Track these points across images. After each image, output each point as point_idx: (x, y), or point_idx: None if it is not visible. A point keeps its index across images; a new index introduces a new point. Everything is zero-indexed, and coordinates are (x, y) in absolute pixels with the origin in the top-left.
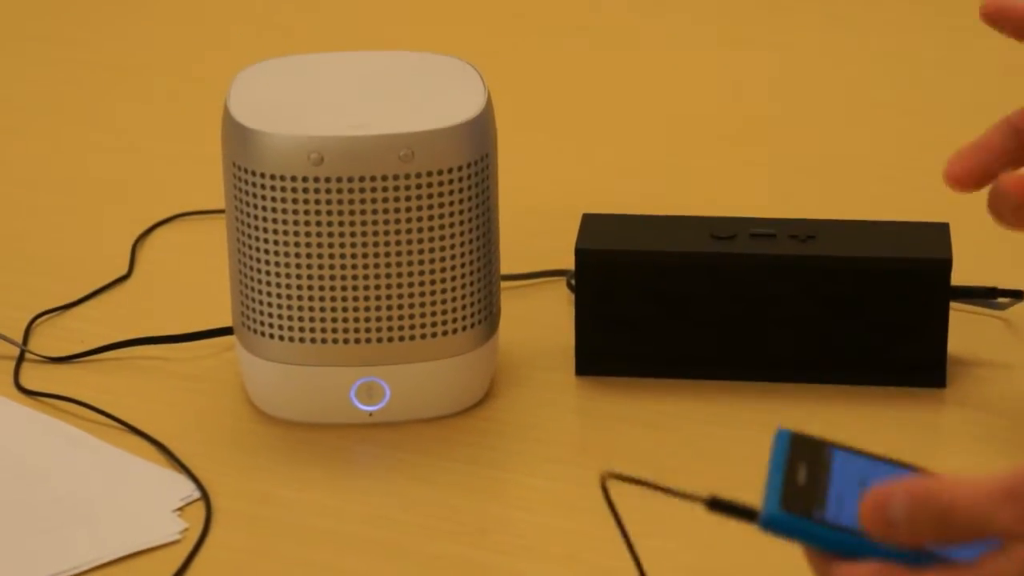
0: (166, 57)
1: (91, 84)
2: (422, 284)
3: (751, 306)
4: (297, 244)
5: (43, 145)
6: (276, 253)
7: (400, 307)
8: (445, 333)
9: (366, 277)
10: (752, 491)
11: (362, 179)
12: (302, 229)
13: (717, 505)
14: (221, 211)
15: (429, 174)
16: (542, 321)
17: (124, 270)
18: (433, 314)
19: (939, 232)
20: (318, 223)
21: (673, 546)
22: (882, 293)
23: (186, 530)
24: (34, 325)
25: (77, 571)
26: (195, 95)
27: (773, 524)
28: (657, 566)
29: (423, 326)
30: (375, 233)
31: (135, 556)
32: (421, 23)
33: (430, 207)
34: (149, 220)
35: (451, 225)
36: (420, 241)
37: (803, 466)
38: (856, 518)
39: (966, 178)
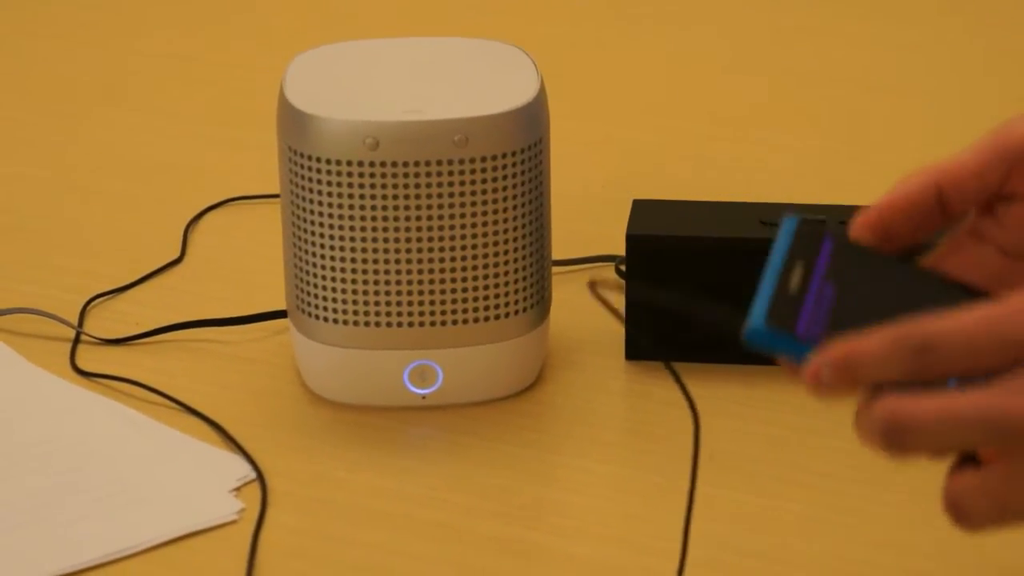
0: (219, 44)
1: (146, 72)
2: (475, 268)
3: None
4: (352, 228)
5: (99, 131)
6: (331, 237)
7: (453, 291)
8: (498, 317)
9: (420, 261)
10: (805, 474)
11: (417, 164)
12: (357, 213)
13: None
14: (271, 196)
15: (483, 159)
16: (592, 306)
17: (176, 254)
18: (486, 298)
19: None
20: (373, 207)
21: (721, 529)
22: None
23: (243, 510)
24: (89, 308)
25: (136, 550)
26: (247, 81)
27: (755, 339)
28: (704, 546)
29: (476, 310)
30: (429, 218)
31: (193, 536)
32: (475, 9)
33: (484, 192)
34: (200, 205)
35: (504, 210)
36: (474, 226)
37: (799, 266)
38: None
39: (874, 233)
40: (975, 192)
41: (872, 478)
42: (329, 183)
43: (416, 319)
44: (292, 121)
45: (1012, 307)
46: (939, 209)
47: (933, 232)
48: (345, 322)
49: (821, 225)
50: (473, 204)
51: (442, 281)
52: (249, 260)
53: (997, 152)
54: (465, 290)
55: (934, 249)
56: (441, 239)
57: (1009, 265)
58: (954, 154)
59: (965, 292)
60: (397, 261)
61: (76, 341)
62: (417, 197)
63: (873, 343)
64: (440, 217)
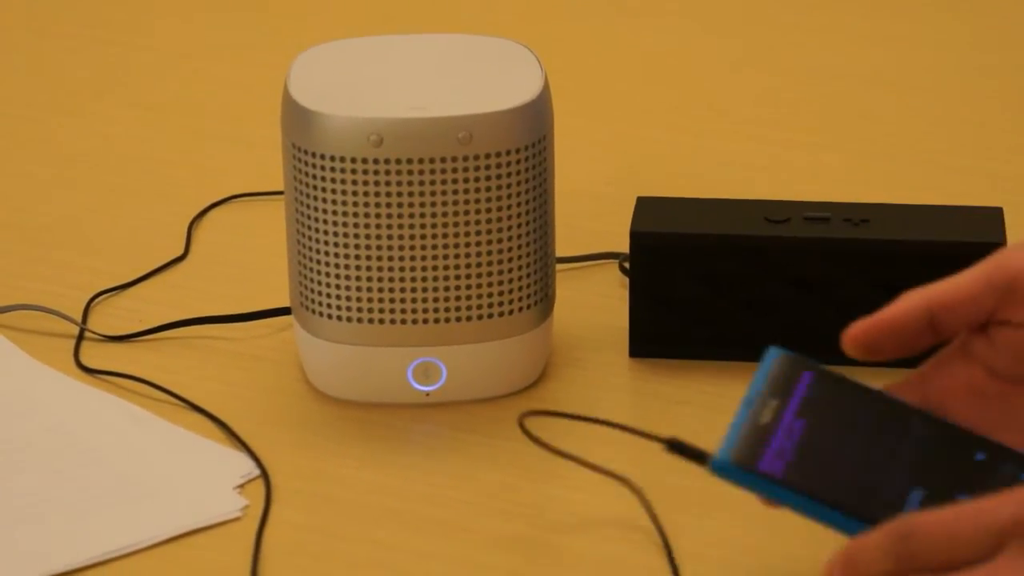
0: (223, 40)
1: (151, 68)
2: (479, 265)
3: (804, 289)
4: (356, 225)
5: (102, 127)
6: (335, 234)
7: (457, 288)
8: (502, 314)
9: (424, 258)
10: None
11: (421, 161)
12: (361, 210)
13: (676, 448)
14: (274, 193)
15: (487, 156)
16: (596, 303)
17: (180, 251)
18: (490, 295)
19: (992, 217)
20: (377, 204)
21: (721, 525)
22: (936, 277)
23: (247, 507)
24: (93, 304)
25: (140, 547)
26: (252, 77)
27: (720, 472)
28: (703, 543)
29: (480, 307)
30: (433, 215)
31: (197, 532)
32: (480, 6)
33: (488, 189)
34: (204, 202)
35: (508, 207)
36: (478, 223)
37: (774, 400)
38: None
39: (859, 348)
40: (968, 318)
41: None
42: (333, 180)
43: (420, 316)
44: (296, 118)
45: (996, 500)
46: (930, 331)
47: (922, 350)
48: (349, 319)
49: (801, 359)
50: (477, 201)
51: (446, 278)
52: (253, 257)
53: (992, 282)
54: (469, 287)
55: (924, 362)
56: (445, 236)
57: (997, 386)
58: (950, 278)
59: (938, 427)
60: (401, 258)
61: (80, 338)
62: (421, 194)
63: (871, 536)
64: (444, 214)
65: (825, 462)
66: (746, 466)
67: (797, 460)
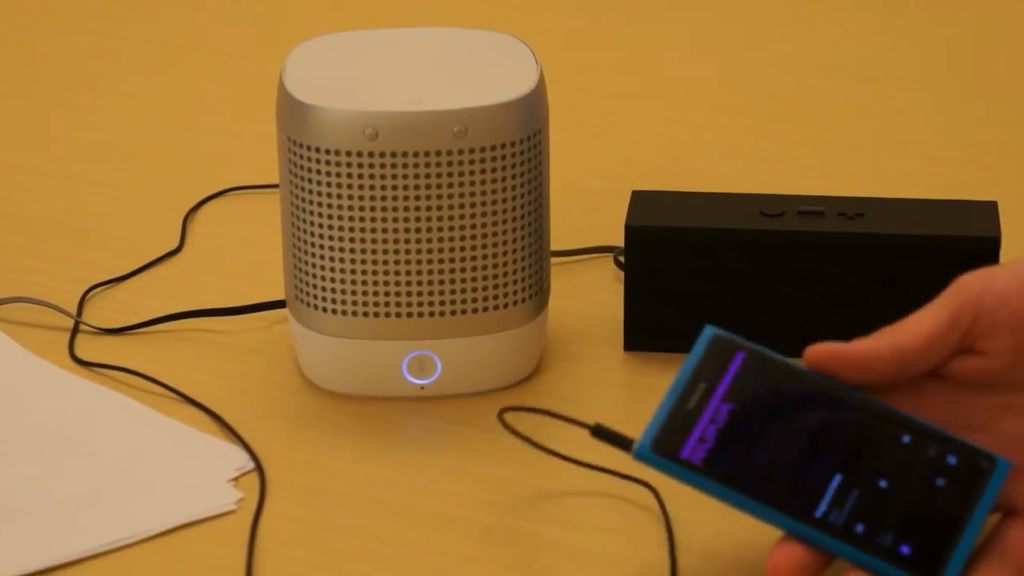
0: (219, 33)
1: (147, 60)
2: (474, 259)
3: (799, 283)
4: (351, 219)
5: (97, 120)
6: (330, 227)
7: (452, 281)
8: (496, 308)
9: (419, 252)
10: None
11: (416, 154)
12: (356, 204)
13: (600, 433)
14: (269, 186)
15: (483, 150)
16: (590, 297)
17: (175, 244)
18: (484, 288)
19: (987, 210)
20: (372, 198)
21: (720, 520)
22: (930, 270)
23: (242, 500)
24: (88, 297)
25: (135, 539)
26: (247, 70)
27: (644, 460)
28: (702, 539)
29: (475, 300)
30: (428, 208)
31: (192, 525)
32: (475, 0)
33: (483, 182)
34: (199, 195)
35: (503, 200)
36: (472, 216)
37: (702, 384)
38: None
39: (818, 370)
40: (934, 359)
41: None
42: (328, 173)
43: (415, 310)
44: (291, 111)
45: None
46: (896, 371)
47: (882, 384)
48: (344, 312)
49: (734, 339)
50: (472, 195)
51: (441, 272)
52: (248, 250)
53: (952, 319)
54: (464, 280)
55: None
56: (440, 229)
57: (963, 396)
58: (915, 316)
59: (867, 409)
60: (396, 251)
61: (75, 331)
62: (416, 187)
63: None
64: (439, 208)
65: (747, 450)
66: (666, 454)
67: (718, 447)
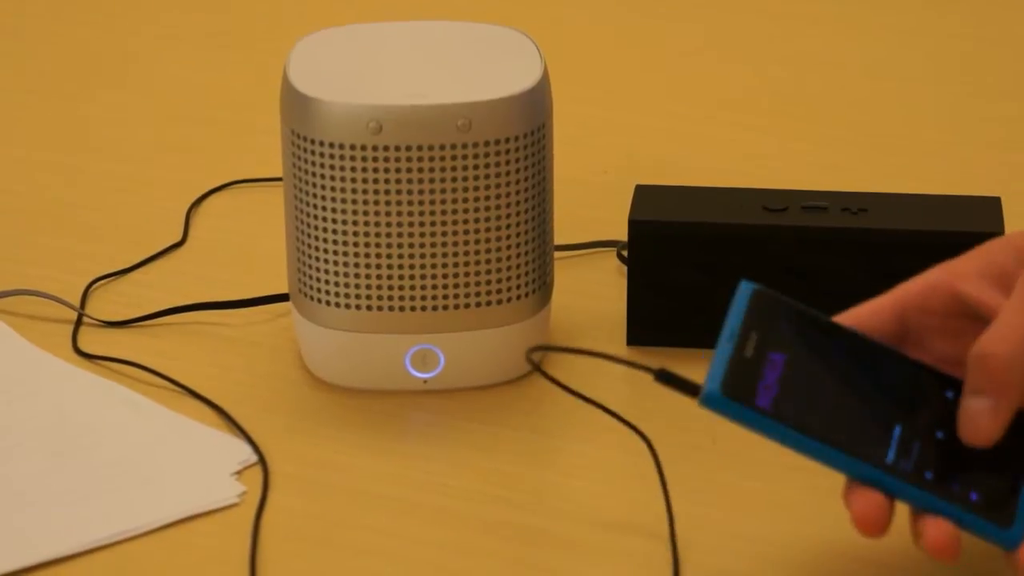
0: (223, 26)
1: (150, 53)
2: (478, 253)
3: (802, 278)
4: (355, 212)
5: (101, 113)
6: (334, 221)
7: (456, 275)
8: (500, 302)
9: (422, 246)
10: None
11: (419, 148)
12: (360, 197)
13: (664, 377)
14: (273, 179)
15: (487, 144)
16: (593, 291)
17: (179, 237)
18: (488, 283)
19: (991, 206)
20: (376, 191)
21: (722, 513)
22: (933, 265)
23: (244, 493)
24: (91, 290)
25: (137, 532)
26: (251, 63)
27: (712, 405)
28: (695, 530)
29: (478, 295)
30: (432, 202)
31: (195, 518)
32: None
33: (487, 176)
34: (202, 188)
35: (507, 195)
36: (476, 210)
37: (755, 334)
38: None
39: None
40: (939, 307)
41: None
42: (332, 167)
43: (418, 303)
44: (295, 104)
45: None
46: (899, 324)
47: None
48: (347, 306)
49: (775, 294)
50: (476, 189)
51: (444, 265)
52: (252, 243)
53: (949, 267)
54: (467, 274)
55: None
56: (443, 223)
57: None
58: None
59: (909, 366)
60: (399, 245)
61: (78, 323)
62: (420, 181)
63: None
64: (443, 201)
65: (811, 398)
66: (738, 399)
67: (783, 394)
